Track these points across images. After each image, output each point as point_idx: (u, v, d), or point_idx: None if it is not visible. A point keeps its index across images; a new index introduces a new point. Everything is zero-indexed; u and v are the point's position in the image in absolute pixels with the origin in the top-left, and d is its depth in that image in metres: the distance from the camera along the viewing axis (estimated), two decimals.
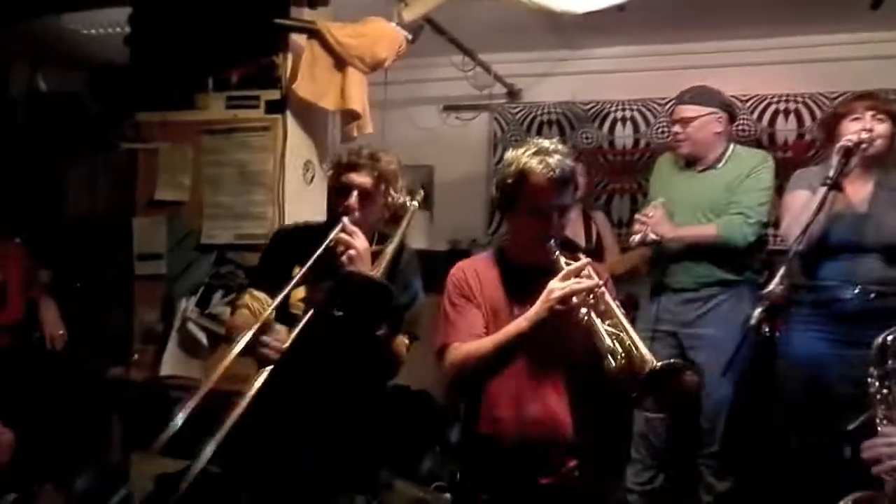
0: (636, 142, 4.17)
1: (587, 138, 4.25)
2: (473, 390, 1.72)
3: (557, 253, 1.61)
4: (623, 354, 1.47)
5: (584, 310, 1.52)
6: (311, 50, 2.66)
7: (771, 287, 2.07)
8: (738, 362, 2.29)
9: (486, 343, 1.62)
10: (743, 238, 2.63)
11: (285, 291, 1.73)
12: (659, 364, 1.44)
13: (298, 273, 1.73)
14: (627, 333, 1.49)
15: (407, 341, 1.86)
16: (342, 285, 1.66)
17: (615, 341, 1.49)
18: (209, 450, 1.56)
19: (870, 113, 2.30)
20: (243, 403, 1.61)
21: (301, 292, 1.84)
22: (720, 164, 2.75)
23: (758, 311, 2.02)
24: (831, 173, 2.21)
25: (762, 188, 2.67)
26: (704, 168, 2.77)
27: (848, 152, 2.23)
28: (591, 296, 1.52)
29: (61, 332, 2.46)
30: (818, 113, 3.84)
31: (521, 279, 1.68)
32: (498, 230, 4.41)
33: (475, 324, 1.68)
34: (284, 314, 1.81)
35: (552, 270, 1.58)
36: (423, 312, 1.93)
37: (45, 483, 2.45)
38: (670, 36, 3.88)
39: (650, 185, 3.01)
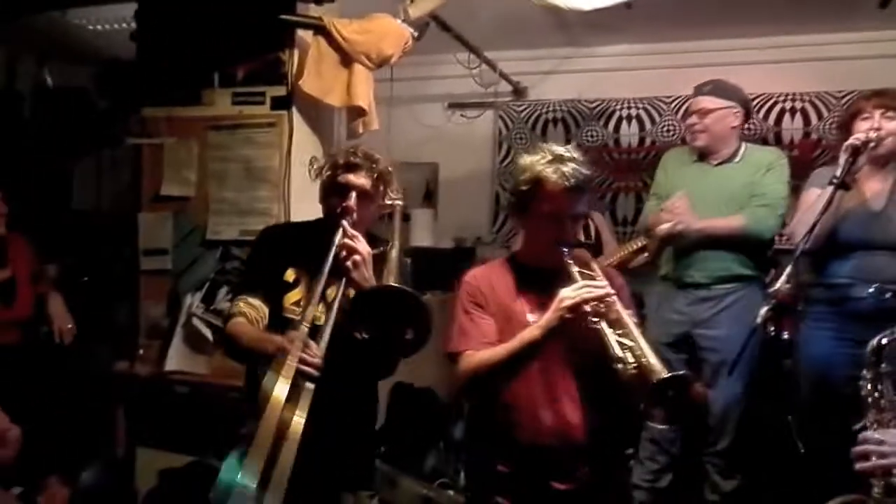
0: (641, 140, 4.17)
1: (592, 136, 4.25)
2: (487, 397, 1.71)
3: (570, 261, 1.61)
4: (633, 364, 1.47)
5: (594, 318, 1.52)
6: (318, 46, 2.66)
7: (777, 286, 2.07)
8: (746, 361, 2.29)
9: (499, 351, 1.63)
10: (769, 230, 2.63)
11: (309, 313, 1.68)
12: (666, 375, 1.43)
13: (319, 282, 1.69)
14: (637, 343, 1.49)
15: None
16: (371, 303, 1.61)
17: (625, 350, 1.49)
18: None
19: (879, 111, 2.29)
20: (300, 422, 1.56)
21: (294, 296, 1.82)
22: (737, 159, 2.74)
23: (764, 309, 2.03)
24: (838, 172, 2.21)
25: (784, 181, 2.68)
26: (720, 162, 2.75)
27: (856, 151, 2.22)
28: (602, 304, 1.52)
29: (69, 326, 2.46)
30: (825, 112, 3.83)
31: (535, 285, 1.69)
32: (503, 228, 4.41)
33: (487, 332, 1.68)
34: (278, 319, 1.79)
35: (565, 277, 1.59)
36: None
37: (51, 476, 2.45)
38: (677, 34, 3.88)
39: (656, 179, 2.96)
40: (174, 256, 2.85)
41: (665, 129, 4.11)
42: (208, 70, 2.80)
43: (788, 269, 2.09)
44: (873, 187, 2.32)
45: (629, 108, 4.19)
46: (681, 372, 1.53)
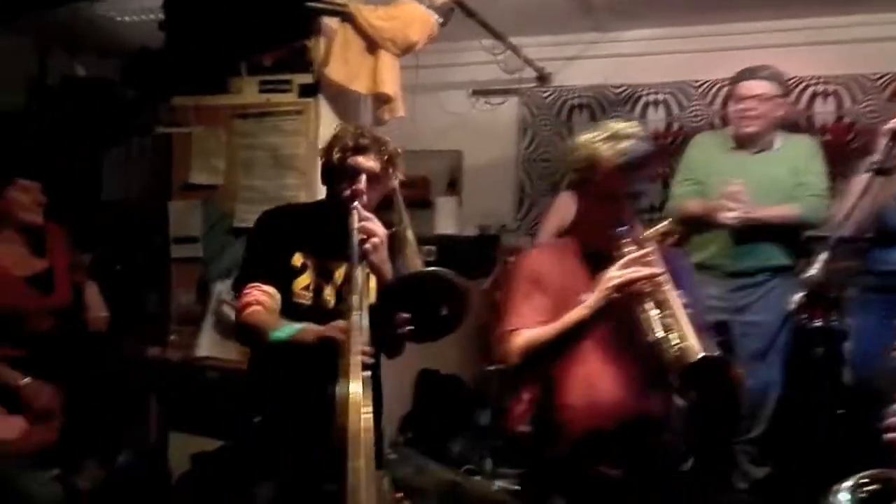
0: (668, 125, 4.11)
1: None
2: (542, 378, 1.70)
3: (626, 240, 1.57)
4: (674, 346, 1.44)
5: (642, 298, 1.49)
6: (344, 33, 2.66)
7: (812, 273, 2.03)
8: (780, 348, 2.27)
9: (549, 329, 1.61)
10: (821, 220, 2.61)
11: (356, 301, 1.56)
12: (703, 355, 1.40)
13: (355, 268, 1.61)
14: (680, 324, 1.45)
15: None
16: (410, 289, 1.57)
17: (668, 332, 1.45)
18: None
19: None
20: (367, 412, 1.42)
21: (304, 281, 1.77)
22: (776, 147, 2.71)
23: (798, 296, 2.00)
24: (877, 157, 2.15)
25: (825, 171, 2.67)
26: (759, 150, 2.72)
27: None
28: (649, 284, 1.49)
29: (104, 314, 2.52)
30: (859, 95, 3.74)
31: (591, 265, 1.65)
32: (527, 216, 4.39)
33: (541, 310, 1.65)
34: (288, 305, 1.74)
35: (619, 258, 1.55)
36: None
37: (88, 459, 2.51)
38: (704, 17, 3.80)
39: (687, 165, 2.90)
40: (204, 244, 2.89)
41: (693, 114, 4.04)
42: (236, 58, 2.82)
43: (824, 257, 2.05)
44: None
45: (656, 93, 4.13)
46: (718, 353, 1.47)
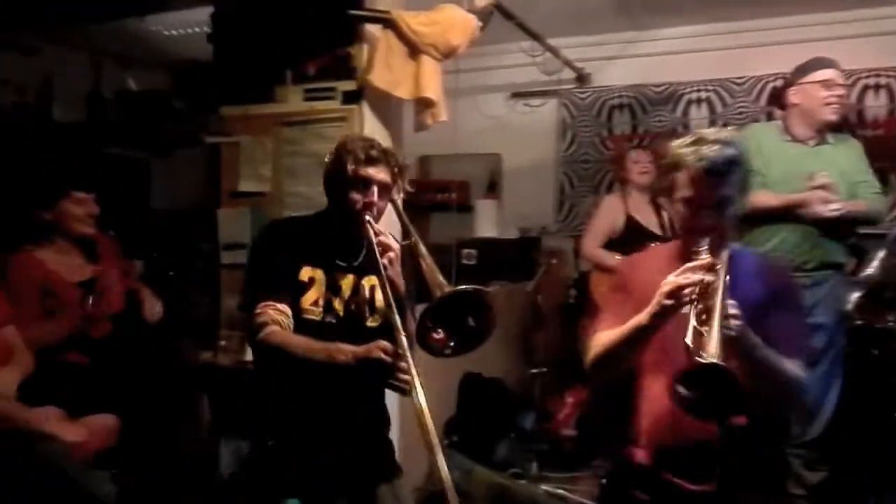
0: (712, 123, 4.04)
1: (660, 122, 4.15)
2: (621, 382, 1.69)
3: (702, 248, 1.52)
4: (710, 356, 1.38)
5: (692, 305, 1.46)
6: (386, 39, 2.69)
7: (870, 271, 1.98)
8: (836, 350, 2.19)
9: (615, 334, 1.61)
10: (883, 217, 2.59)
11: (396, 320, 1.58)
12: (704, 362, 1.35)
13: (384, 283, 1.64)
14: (711, 332, 1.39)
15: None
16: (449, 309, 1.56)
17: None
18: None
19: None
20: (432, 429, 1.46)
21: (312, 296, 1.73)
22: (831, 140, 2.66)
23: (855, 296, 1.94)
24: None
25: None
26: (818, 143, 2.67)
27: None
28: (698, 291, 1.46)
29: (159, 308, 2.60)
30: None
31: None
32: (568, 217, 4.37)
33: (623, 314, 1.63)
34: (297, 321, 1.71)
35: None
36: None
37: (143, 460, 2.58)
38: (745, 11, 3.73)
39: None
40: None
41: (738, 111, 3.97)
42: (281, 68, 2.88)
43: (882, 255, 2.00)
44: None
45: (698, 91, 4.08)
46: (718, 363, 1.36)
